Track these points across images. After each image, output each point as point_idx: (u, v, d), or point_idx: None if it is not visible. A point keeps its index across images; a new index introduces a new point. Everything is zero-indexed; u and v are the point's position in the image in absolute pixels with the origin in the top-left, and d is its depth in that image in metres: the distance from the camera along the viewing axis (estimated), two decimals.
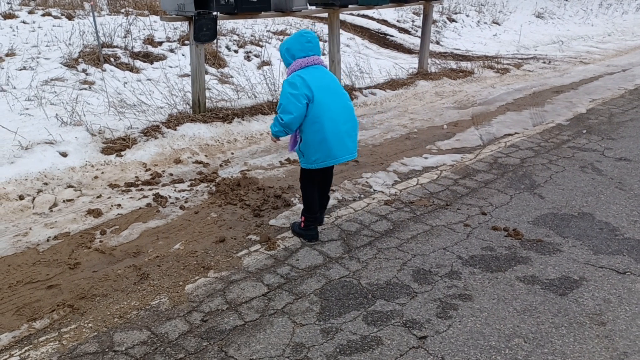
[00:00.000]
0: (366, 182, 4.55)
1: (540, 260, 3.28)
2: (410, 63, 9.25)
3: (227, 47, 9.11)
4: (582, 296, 2.90)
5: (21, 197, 3.89)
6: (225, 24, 9.67)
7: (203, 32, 5.21)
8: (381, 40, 12.06)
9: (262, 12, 5.66)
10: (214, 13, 5.26)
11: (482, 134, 5.90)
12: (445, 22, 13.78)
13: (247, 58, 8.96)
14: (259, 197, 4.17)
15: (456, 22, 14.05)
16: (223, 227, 3.70)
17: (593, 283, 3.01)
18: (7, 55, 6.92)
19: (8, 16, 8.81)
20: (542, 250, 3.39)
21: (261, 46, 9.31)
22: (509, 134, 5.87)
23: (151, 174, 4.46)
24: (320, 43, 9.72)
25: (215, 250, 3.41)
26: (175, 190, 4.22)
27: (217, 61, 8.20)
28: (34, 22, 8.78)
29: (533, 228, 3.69)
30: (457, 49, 11.81)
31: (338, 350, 2.50)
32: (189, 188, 4.27)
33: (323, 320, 2.72)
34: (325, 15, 6.89)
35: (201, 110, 5.57)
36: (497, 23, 14.66)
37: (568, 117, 6.52)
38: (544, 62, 10.25)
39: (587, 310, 2.77)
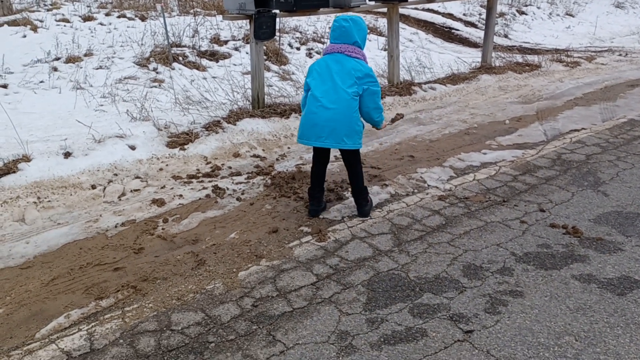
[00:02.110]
0: (421, 177, 4.53)
1: (599, 259, 3.14)
2: (474, 57, 9.03)
3: (290, 45, 9.29)
4: None
5: (93, 187, 4.20)
6: (288, 21, 9.85)
7: (263, 29, 5.36)
8: (446, 34, 11.83)
9: (321, 9, 5.75)
10: (274, 11, 5.40)
11: (546, 129, 5.68)
12: (514, 15, 13.30)
13: (309, 55, 9.09)
14: None
15: (526, 14, 13.52)
16: (276, 219, 3.82)
17: None
18: (85, 55, 7.44)
19: (87, 19, 9.45)
20: (602, 249, 3.25)
21: (323, 43, 9.42)
22: (576, 130, 5.61)
23: (211, 167, 4.67)
24: (379, 38, 9.70)
25: (268, 240, 3.53)
26: (233, 182, 4.40)
27: (279, 58, 8.39)
28: (110, 24, 9.36)
29: (594, 226, 3.54)
30: (526, 43, 11.38)
31: (382, 339, 2.54)
32: (245, 181, 4.44)
33: (369, 311, 2.76)
34: (386, 10, 6.86)
35: (260, 106, 5.74)
36: (570, 15, 13.96)
37: None
38: (620, 55, 9.67)
39: None
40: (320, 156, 3.82)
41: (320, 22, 10.45)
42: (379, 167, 4.77)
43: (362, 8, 6.22)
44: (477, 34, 11.73)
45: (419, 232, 3.58)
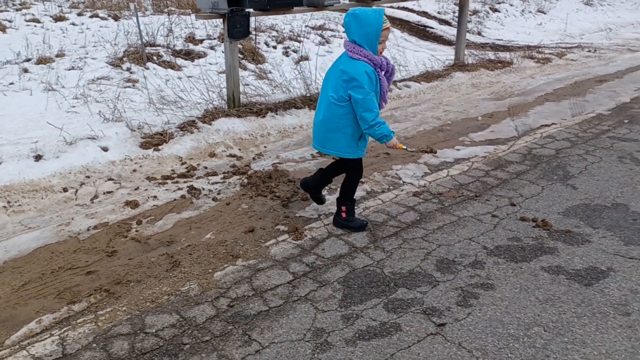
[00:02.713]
0: (396, 174, 4.58)
1: (568, 250, 3.23)
2: (448, 55, 9.13)
3: (266, 43, 9.27)
4: (608, 287, 2.84)
5: (65, 190, 4.14)
6: (265, 20, 9.83)
7: (237, 28, 5.35)
8: (421, 32, 11.93)
9: (295, 8, 5.75)
10: (247, 10, 5.39)
11: (517, 125, 5.79)
12: (487, 12, 13.47)
13: (286, 54, 9.08)
14: (289, 189, 4.27)
15: (499, 11, 13.71)
16: (253, 218, 3.82)
17: (621, 274, 2.95)
18: (57, 56, 7.31)
19: (59, 19, 9.28)
20: (570, 241, 3.33)
21: (300, 42, 9.42)
22: (546, 125, 5.73)
23: (186, 167, 4.64)
24: None
25: (244, 239, 3.53)
26: (208, 182, 4.39)
27: (256, 57, 8.36)
28: (82, 24, 9.20)
29: (563, 219, 3.62)
30: (499, 40, 11.54)
31: (357, 335, 2.57)
32: (221, 180, 4.42)
33: (344, 307, 2.79)
34: None
35: (236, 105, 5.73)
36: (542, 12, 14.21)
37: (610, 106, 6.30)
38: (589, 51, 9.89)
39: (612, 301, 2.72)
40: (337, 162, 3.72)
41: (297, 21, 10.44)
42: None
43: (337, 7, 6.25)
44: (451, 32, 11.85)
45: (394, 228, 3.62)
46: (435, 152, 3.50)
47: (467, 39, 10.79)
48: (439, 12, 13.40)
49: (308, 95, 6.38)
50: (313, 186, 3.82)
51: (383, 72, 3.31)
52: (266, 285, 3.01)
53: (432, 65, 8.24)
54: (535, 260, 3.14)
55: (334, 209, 3.92)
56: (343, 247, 3.40)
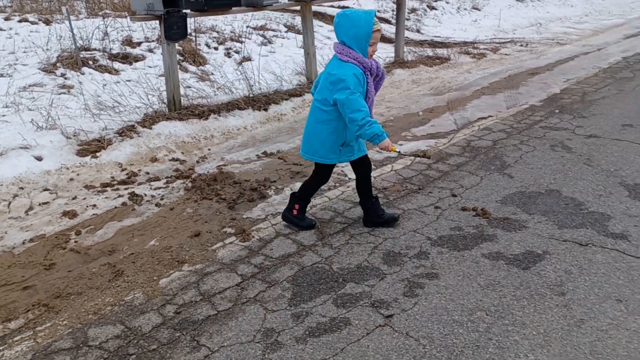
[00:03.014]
0: (341, 170, 4.62)
1: (506, 237, 3.36)
2: (389, 52, 9.30)
3: (207, 45, 9.12)
4: (544, 269, 2.99)
5: None
6: (204, 21, 9.68)
7: (174, 30, 5.24)
8: None
9: (233, 8, 5.70)
10: (184, 11, 5.29)
11: (456, 118, 5.97)
12: (425, 10, 13.82)
13: (227, 55, 8.98)
14: (235, 190, 4.23)
15: (436, 9, 14.09)
16: (198, 222, 3.76)
17: (556, 256, 3.11)
18: None
19: None
20: (508, 228, 3.48)
21: (241, 42, 9.34)
22: (483, 118, 5.95)
23: (127, 174, 4.50)
24: (297, 36, 9.75)
25: (190, 244, 3.47)
26: (151, 188, 4.28)
27: (197, 59, 8.22)
28: (10, 29, 8.74)
29: (501, 207, 3.77)
30: (437, 37, 11.86)
31: (307, 332, 2.58)
32: (165, 185, 4.32)
33: (294, 306, 2.79)
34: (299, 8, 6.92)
35: (177, 108, 5.61)
36: (477, 9, 14.71)
37: (542, 98, 6.61)
38: (521, 45, 10.34)
39: (549, 282, 2.86)
40: (316, 168, 3.54)
41: (237, 22, 10.34)
42: (301, 163, 4.81)
43: (276, 7, 6.24)
44: (391, 30, 12.05)
45: (341, 225, 3.66)
46: (429, 157, 3.38)
47: (407, 37, 11.04)
48: (378, 11, 13.60)
49: (251, 95, 6.34)
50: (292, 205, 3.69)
51: (372, 77, 3.18)
52: (214, 289, 2.96)
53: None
54: (476, 247, 3.26)
55: (280, 208, 3.92)
56: (291, 246, 3.41)
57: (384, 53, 9.34)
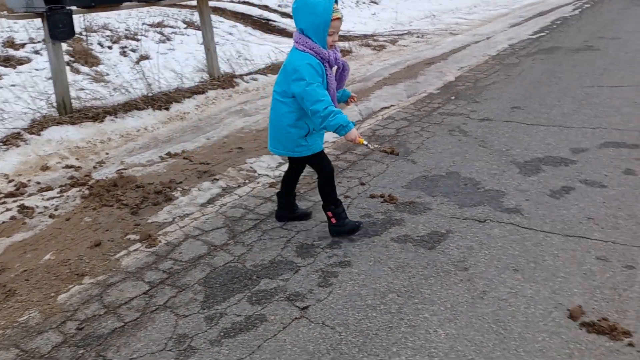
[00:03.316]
0: (250, 167, 4.55)
1: (412, 220, 3.48)
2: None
3: (100, 44, 8.60)
4: (448, 247, 3.12)
5: None
6: (96, 19, 9.11)
7: (59, 28, 4.87)
8: (264, 26, 12.00)
9: (124, 3, 5.41)
10: (68, 7, 4.93)
11: (361, 109, 6.11)
12: None
13: (123, 54, 8.52)
14: (137, 195, 4.02)
15: (336, 3, 14.31)
16: (99, 231, 3.53)
17: (458, 234, 3.26)
18: None
19: None
20: (414, 211, 3.60)
21: (137, 40, 8.90)
22: (386, 107, 6.13)
23: (15, 185, 4.12)
24: (198, 32, 9.46)
25: (90, 255, 3.24)
26: (43, 198, 3.95)
27: (89, 59, 7.72)
28: None
29: (406, 192, 3.90)
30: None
31: (222, 334, 2.50)
32: (58, 195, 4.01)
33: (207, 308, 2.70)
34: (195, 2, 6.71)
35: (68, 112, 5.23)
36: (375, 2, 15.14)
37: (438, 85, 6.94)
38: (418, 37, 10.80)
39: (453, 259, 3.00)
40: (290, 161, 3.43)
41: (132, 19, 9.84)
42: (208, 162, 4.68)
43: (169, 1, 6.00)
44: (293, 25, 12.11)
45: (253, 221, 3.60)
46: (398, 154, 3.18)
47: None
48: (279, 6, 13.59)
49: (151, 95, 6.06)
50: (288, 208, 3.54)
51: (333, 69, 3.00)
52: (119, 300, 2.79)
53: (278, 58, 8.34)
54: (386, 232, 3.34)
55: (188, 210, 3.79)
56: (201, 247, 3.30)
57: (288, 48, 9.33)
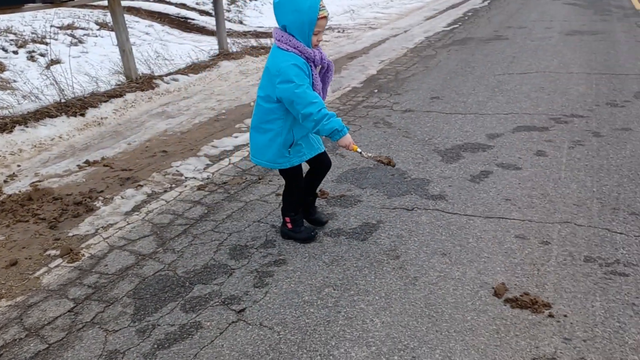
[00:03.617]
0: (177, 170, 4.42)
1: (344, 213, 3.53)
2: (213, 45, 9.13)
3: (4, 49, 8.03)
4: (379, 237, 3.19)
5: None
6: None
7: None
8: (183, 24, 11.67)
9: (26, 5, 5.05)
10: None
11: None
12: (246, 2, 13.82)
13: (31, 58, 7.99)
14: (55, 208, 3.79)
15: (256, 0, 14.19)
16: (14, 249, 3.29)
17: (388, 223, 3.34)
18: None
19: None
20: (345, 204, 3.65)
21: (47, 44, 8.37)
22: None
23: None
24: (112, 33, 9.05)
25: (6, 276, 3.02)
26: None
27: None
28: None
29: (337, 186, 3.95)
30: (260, 27, 11.96)
31: (156, 346, 2.42)
32: None
33: (138, 321, 2.60)
34: (106, 3, 6.39)
35: None
36: None
37: (361, 79, 7.06)
38: (339, 32, 10.92)
39: (384, 248, 3.07)
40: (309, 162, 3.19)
41: (39, 21, 9.26)
42: (131, 168, 4.49)
43: (77, 2, 5.68)
44: (213, 22, 11.84)
45: (183, 227, 3.50)
46: (394, 165, 3.00)
47: (230, 28, 10.96)
48: (197, 3, 13.28)
49: (64, 101, 5.72)
50: (304, 210, 3.33)
51: (318, 69, 2.82)
52: (42, 321, 2.63)
53: (198, 57, 8.14)
54: (319, 227, 3.36)
55: (111, 219, 3.63)
56: (129, 258, 3.16)
57: (207, 46, 9.16)
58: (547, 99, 5.66)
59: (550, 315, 2.46)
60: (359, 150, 2.82)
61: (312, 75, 2.77)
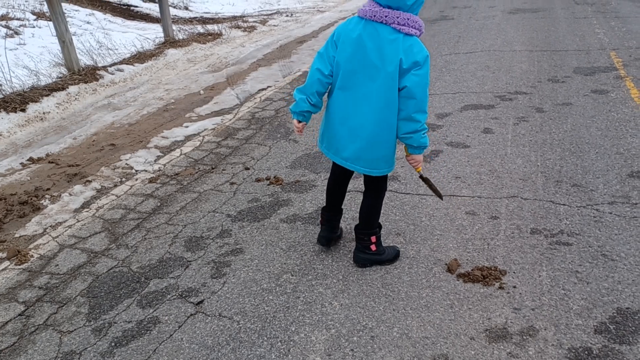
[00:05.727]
0: (126, 164, 4.30)
1: (299, 198, 3.54)
2: (158, 33, 8.87)
3: None
4: None
5: None
6: None
7: None
8: (125, 12, 11.26)
9: None
10: None
11: (238, 93, 6.02)
12: None
13: None
14: (0, 208, 3.63)
15: None
16: None
17: (343, 206, 3.36)
18: None
19: None
20: (300, 190, 3.66)
21: None
22: (263, 89, 6.10)
23: None
24: (51, 24, 8.65)
25: None
26: None
27: None
28: None
29: (291, 171, 3.95)
30: (206, 13, 11.69)
31: (113, 344, 2.38)
32: None
33: (93, 320, 2.54)
34: None
35: None
36: None
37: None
38: (287, 16, 10.82)
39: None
40: (338, 173, 2.76)
41: None
42: (78, 163, 4.34)
43: None
44: (157, 9, 11.50)
45: (135, 221, 3.42)
46: (442, 198, 2.81)
47: (175, 15, 10.66)
48: None
49: (2, 96, 5.44)
50: (331, 227, 2.90)
51: None
52: None
53: (143, 45, 7.89)
54: (275, 214, 3.36)
55: (60, 218, 3.51)
56: (80, 256, 3.07)
57: (153, 34, 8.89)
58: (492, 77, 5.82)
59: (501, 287, 2.56)
60: (421, 172, 2.65)
61: None
